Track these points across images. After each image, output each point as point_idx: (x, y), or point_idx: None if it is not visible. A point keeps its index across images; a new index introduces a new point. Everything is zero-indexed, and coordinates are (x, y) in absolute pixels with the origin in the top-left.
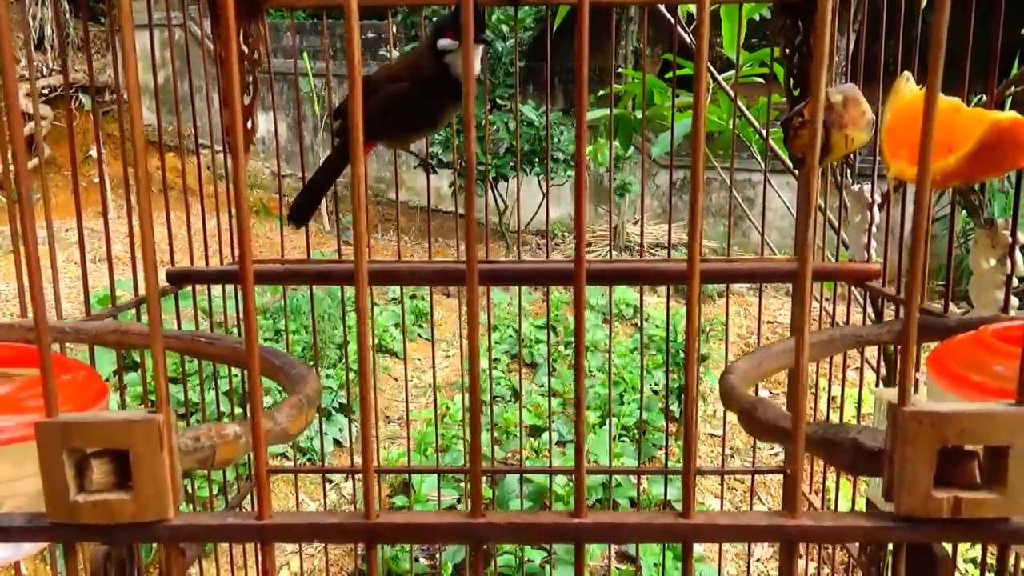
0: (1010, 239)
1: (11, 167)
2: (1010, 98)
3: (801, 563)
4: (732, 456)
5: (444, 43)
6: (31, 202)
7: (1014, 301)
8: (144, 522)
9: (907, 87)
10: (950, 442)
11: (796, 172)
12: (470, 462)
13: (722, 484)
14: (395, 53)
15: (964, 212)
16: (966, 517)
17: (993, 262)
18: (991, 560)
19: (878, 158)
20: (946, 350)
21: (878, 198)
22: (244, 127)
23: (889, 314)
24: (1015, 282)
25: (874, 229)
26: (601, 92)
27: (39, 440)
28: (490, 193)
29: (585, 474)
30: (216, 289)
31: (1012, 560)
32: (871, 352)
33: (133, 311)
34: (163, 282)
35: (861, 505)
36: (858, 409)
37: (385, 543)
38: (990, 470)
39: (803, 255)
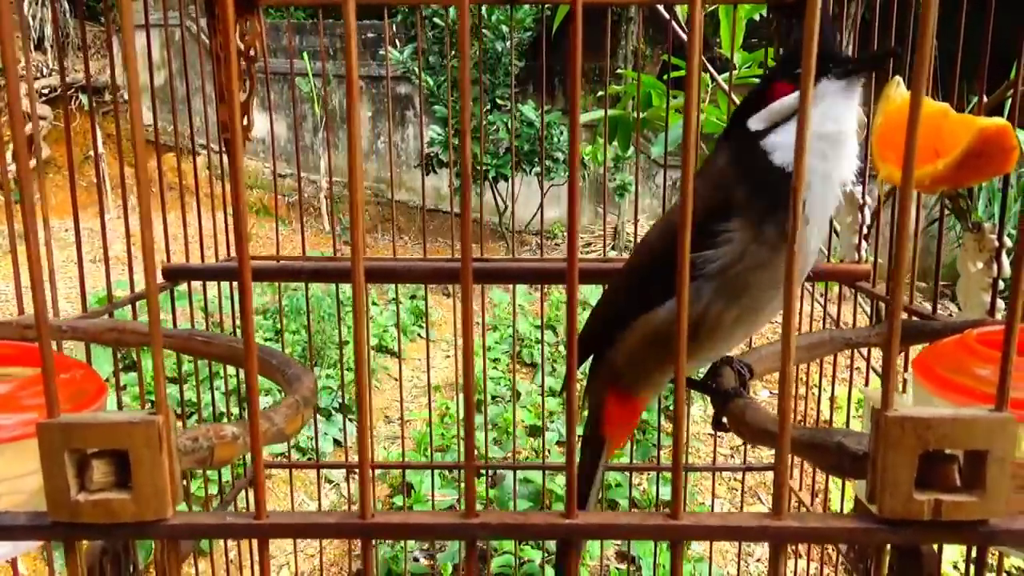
0: (996, 243)
1: (9, 167)
2: (1009, 99)
3: (801, 563)
4: (732, 455)
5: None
6: (33, 203)
7: (1000, 304)
8: (144, 521)
9: (897, 91)
10: (931, 446)
11: None
12: (464, 459)
13: (713, 481)
14: (394, 53)
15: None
16: (946, 519)
17: (980, 265)
18: (992, 560)
19: (869, 160)
20: (932, 353)
21: (869, 200)
22: (240, 122)
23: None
24: (1001, 285)
25: (865, 230)
26: (600, 93)
27: (40, 440)
28: (489, 193)
29: (575, 472)
30: (213, 288)
31: (995, 559)
32: (873, 353)
33: (128, 308)
34: (160, 279)
35: None
36: (848, 408)
37: (380, 539)
38: (969, 473)
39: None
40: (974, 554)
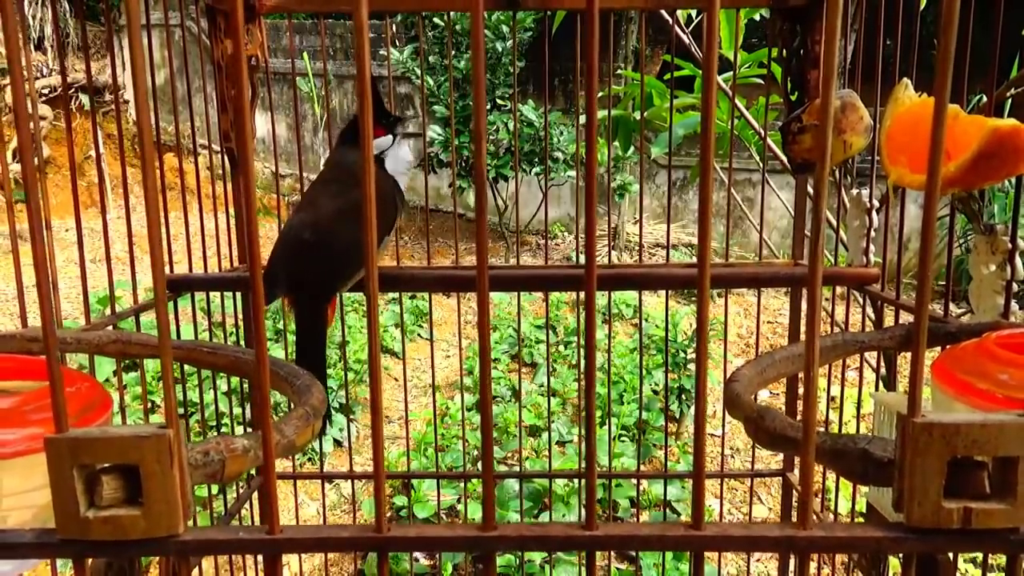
0: (1010, 245)
1: (9, 167)
2: (1010, 100)
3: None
4: (732, 456)
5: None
6: (40, 212)
7: (1014, 306)
8: (155, 538)
9: (906, 94)
10: (960, 453)
11: (794, 176)
12: (483, 474)
13: (722, 486)
14: (395, 53)
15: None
16: (976, 528)
17: (993, 268)
18: (992, 561)
19: (877, 160)
20: (951, 357)
21: (876, 203)
22: (250, 142)
23: (888, 314)
24: (1015, 287)
25: (872, 233)
26: (600, 94)
27: (49, 456)
28: (490, 193)
29: (595, 484)
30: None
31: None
32: (870, 352)
33: (131, 317)
34: None
35: (861, 506)
36: (858, 410)
37: (395, 552)
38: (999, 480)
39: (813, 282)
40: (987, 556)
